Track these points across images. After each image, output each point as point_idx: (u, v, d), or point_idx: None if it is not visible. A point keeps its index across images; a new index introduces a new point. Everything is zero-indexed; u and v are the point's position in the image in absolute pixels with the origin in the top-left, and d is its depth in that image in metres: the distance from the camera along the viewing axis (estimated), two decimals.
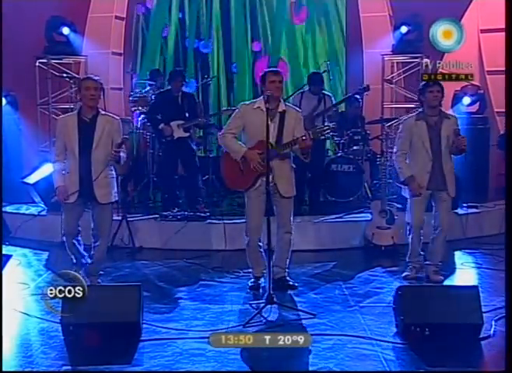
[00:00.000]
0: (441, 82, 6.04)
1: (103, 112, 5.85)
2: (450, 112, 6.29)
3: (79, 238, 5.97)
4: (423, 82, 6.09)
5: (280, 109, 5.73)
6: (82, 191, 5.71)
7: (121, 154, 5.65)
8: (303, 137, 5.55)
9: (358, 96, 9.08)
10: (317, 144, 8.01)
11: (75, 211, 5.82)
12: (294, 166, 5.96)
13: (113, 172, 5.86)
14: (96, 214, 5.86)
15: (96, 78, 5.85)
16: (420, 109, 6.16)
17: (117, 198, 5.97)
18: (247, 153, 5.73)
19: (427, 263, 6.25)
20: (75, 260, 5.99)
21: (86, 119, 5.74)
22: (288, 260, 6.04)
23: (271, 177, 5.63)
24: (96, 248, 5.94)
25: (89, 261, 5.99)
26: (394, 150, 6.28)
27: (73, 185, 5.70)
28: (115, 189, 5.90)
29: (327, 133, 5.74)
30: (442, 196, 6.08)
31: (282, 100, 5.83)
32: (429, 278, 6.19)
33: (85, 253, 6.03)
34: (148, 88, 9.54)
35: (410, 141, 6.07)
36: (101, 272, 6.16)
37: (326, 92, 8.36)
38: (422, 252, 6.30)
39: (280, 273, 5.98)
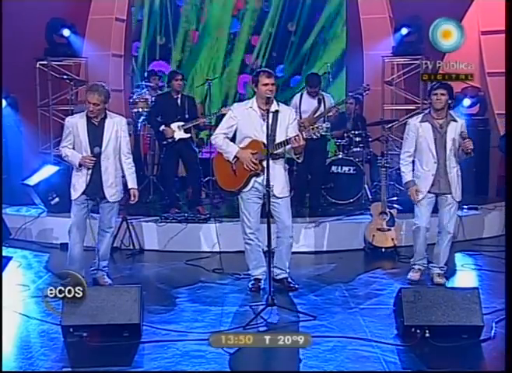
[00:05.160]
0: (449, 85, 5.99)
1: (110, 113, 6.03)
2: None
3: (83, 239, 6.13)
4: (432, 84, 6.08)
5: (273, 109, 5.74)
6: (91, 191, 5.95)
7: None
8: (296, 137, 5.57)
9: (359, 96, 9.12)
10: (318, 146, 8.08)
11: (83, 206, 6.00)
12: (287, 167, 5.96)
13: (121, 172, 6.11)
14: (106, 212, 6.11)
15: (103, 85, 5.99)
16: (426, 111, 6.15)
17: (122, 195, 6.21)
18: (240, 153, 5.75)
19: (432, 265, 6.24)
20: (68, 262, 6.07)
21: (95, 122, 5.94)
22: (288, 262, 6.05)
23: (264, 178, 5.66)
24: (101, 242, 6.15)
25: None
26: (402, 151, 6.27)
27: (83, 183, 5.92)
28: (121, 187, 6.17)
29: (320, 132, 5.69)
30: (447, 200, 6.05)
31: (274, 100, 5.82)
32: (432, 280, 6.18)
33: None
34: (145, 89, 9.56)
35: (416, 143, 6.06)
36: (106, 268, 6.24)
37: (324, 94, 8.36)
38: (426, 255, 6.27)
39: (282, 274, 5.99)
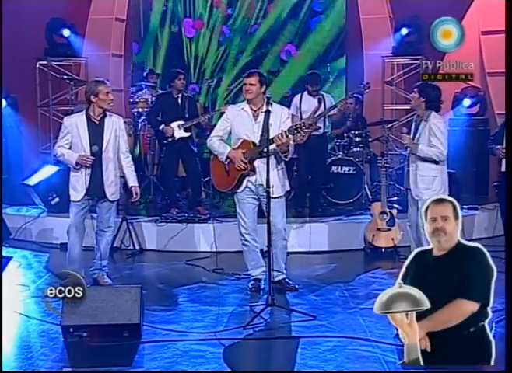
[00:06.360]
0: (422, 85, 6.03)
1: (109, 112, 6.01)
2: (445, 115, 6.25)
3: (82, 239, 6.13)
4: None
5: (264, 109, 5.73)
6: (92, 190, 5.93)
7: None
8: (279, 135, 5.57)
9: (359, 95, 9.13)
10: (318, 146, 8.10)
11: (83, 207, 6.01)
12: (282, 166, 5.90)
13: (119, 171, 6.11)
14: (105, 211, 6.09)
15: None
16: None
17: (119, 195, 6.24)
18: (231, 153, 5.79)
19: None
20: (67, 262, 6.07)
21: (95, 120, 5.92)
22: (284, 263, 6.04)
23: (257, 177, 5.70)
24: (100, 242, 6.14)
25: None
26: None
27: (84, 184, 5.90)
28: (119, 186, 6.18)
29: (303, 129, 5.66)
30: (412, 197, 6.07)
31: (266, 100, 5.77)
32: None
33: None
34: (145, 90, 9.56)
35: None
36: (106, 268, 6.24)
37: (324, 94, 8.35)
38: None
39: (279, 276, 5.98)
